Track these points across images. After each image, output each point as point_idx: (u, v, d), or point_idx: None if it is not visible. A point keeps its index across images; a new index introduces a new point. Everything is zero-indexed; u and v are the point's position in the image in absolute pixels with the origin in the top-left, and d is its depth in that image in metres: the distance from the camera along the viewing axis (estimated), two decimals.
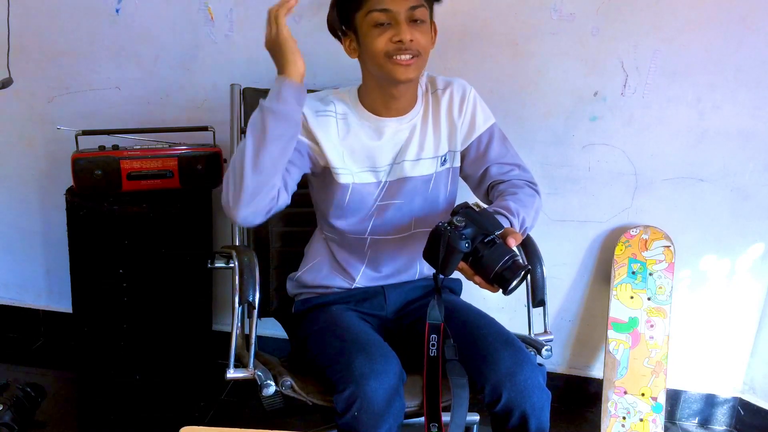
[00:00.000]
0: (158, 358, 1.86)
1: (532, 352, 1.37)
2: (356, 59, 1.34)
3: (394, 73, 1.26)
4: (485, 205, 1.34)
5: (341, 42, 1.35)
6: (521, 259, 1.17)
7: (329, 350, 1.28)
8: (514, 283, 1.15)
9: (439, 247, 1.15)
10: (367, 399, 1.14)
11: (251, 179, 1.20)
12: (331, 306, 1.42)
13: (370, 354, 1.21)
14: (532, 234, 1.44)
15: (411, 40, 1.23)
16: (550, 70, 1.78)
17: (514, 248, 1.19)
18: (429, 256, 1.19)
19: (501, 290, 1.15)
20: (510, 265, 1.14)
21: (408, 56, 1.25)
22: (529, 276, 1.44)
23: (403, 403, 1.21)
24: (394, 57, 1.24)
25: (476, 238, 1.15)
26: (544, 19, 1.73)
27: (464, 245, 1.15)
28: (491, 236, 1.16)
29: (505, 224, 1.26)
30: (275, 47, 1.24)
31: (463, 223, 1.15)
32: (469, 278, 1.20)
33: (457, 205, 1.22)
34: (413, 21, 1.25)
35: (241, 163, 1.20)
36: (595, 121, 1.81)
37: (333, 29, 1.35)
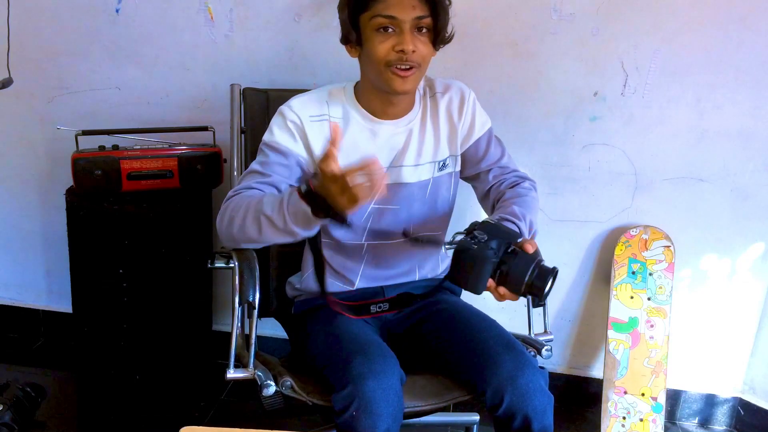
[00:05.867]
0: (158, 358, 1.86)
1: (532, 353, 1.37)
2: (356, 58, 1.33)
3: (391, 83, 1.25)
4: (490, 217, 1.32)
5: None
6: (544, 262, 1.14)
7: (327, 350, 1.28)
8: (547, 288, 1.12)
9: (466, 264, 1.13)
10: (365, 398, 1.14)
11: (250, 243, 1.25)
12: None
13: (368, 354, 1.21)
14: None
15: (413, 51, 1.22)
16: (550, 70, 1.78)
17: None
18: (457, 275, 1.17)
19: (535, 299, 1.14)
20: (538, 273, 1.12)
21: (407, 67, 1.23)
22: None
23: (402, 403, 1.21)
24: (394, 67, 1.23)
25: (500, 248, 1.13)
26: (544, 19, 1.73)
27: (492, 255, 1.12)
28: (512, 246, 1.14)
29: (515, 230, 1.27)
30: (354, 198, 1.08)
31: (486, 237, 1.13)
32: (492, 292, 1.17)
33: (471, 224, 1.19)
34: (417, 29, 1.24)
35: (250, 231, 1.21)
36: (595, 121, 1.81)
37: (343, 27, 1.32)
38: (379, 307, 1.41)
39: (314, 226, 1.17)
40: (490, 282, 1.15)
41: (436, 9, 1.24)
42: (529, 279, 1.12)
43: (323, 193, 1.09)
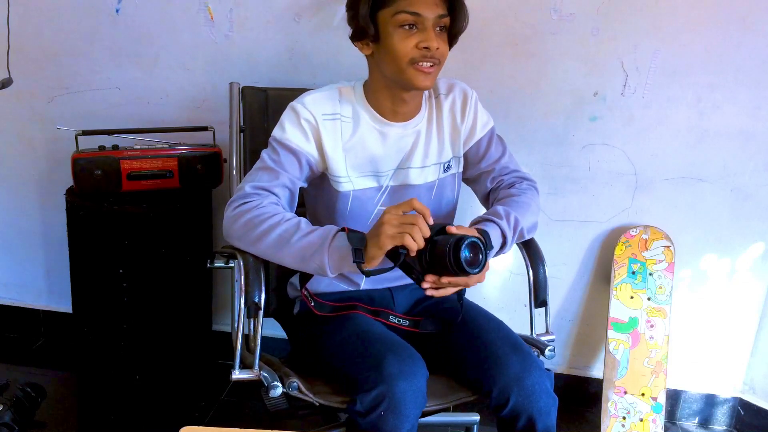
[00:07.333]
0: (158, 358, 1.86)
1: (536, 353, 1.37)
2: (359, 56, 1.33)
3: (413, 80, 1.24)
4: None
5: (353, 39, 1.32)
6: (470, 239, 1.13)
7: (350, 349, 1.26)
8: (466, 251, 1.10)
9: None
10: (395, 399, 1.14)
11: (257, 253, 1.25)
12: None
13: (399, 354, 1.20)
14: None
15: (437, 48, 1.22)
16: (550, 70, 1.78)
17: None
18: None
19: (460, 269, 1.10)
20: (458, 239, 1.10)
21: (430, 64, 1.23)
22: (531, 276, 1.44)
23: (425, 404, 1.21)
24: (418, 64, 1.23)
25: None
26: (544, 19, 1.73)
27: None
28: (440, 227, 1.15)
29: (491, 228, 1.28)
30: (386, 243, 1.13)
31: None
32: (426, 284, 1.17)
33: None
34: (438, 28, 1.24)
35: (266, 245, 1.22)
36: (595, 121, 1.81)
37: (358, 25, 1.27)
38: (399, 321, 1.39)
39: (343, 265, 1.17)
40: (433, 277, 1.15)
41: (455, 9, 1.25)
42: (453, 241, 1.10)
43: (376, 227, 1.14)
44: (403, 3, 1.21)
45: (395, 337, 1.29)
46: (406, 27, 1.22)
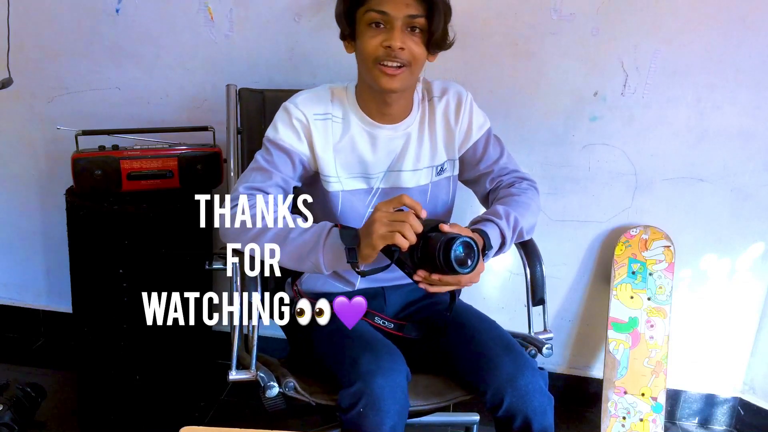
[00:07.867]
0: (158, 358, 1.86)
1: (533, 351, 1.37)
2: (352, 55, 1.33)
3: (377, 81, 1.24)
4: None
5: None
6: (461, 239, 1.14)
7: (334, 348, 1.27)
8: (452, 255, 1.10)
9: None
10: (373, 395, 1.14)
11: (254, 253, 1.24)
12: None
13: (376, 351, 1.21)
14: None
15: (401, 48, 1.21)
16: (550, 70, 1.78)
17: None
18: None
19: (450, 267, 1.11)
20: (450, 238, 1.11)
21: (395, 65, 1.22)
22: (528, 275, 1.44)
23: (407, 401, 1.21)
24: (382, 63, 1.22)
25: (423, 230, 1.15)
26: (544, 19, 1.73)
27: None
28: (433, 226, 1.16)
29: (490, 228, 1.28)
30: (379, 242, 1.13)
31: None
32: (417, 278, 1.18)
33: None
34: (410, 28, 1.23)
35: (264, 245, 1.22)
36: (595, 121, 1.81)
37: (339, 23, 1.31)
38: (384, 323, 1.39)
39: (338, 263, 1.18)
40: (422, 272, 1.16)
41: (432, 10, 1.23)
42: (445, 239, 1.11)
43: (367, 225, 1.14)
44: (374, 1, 1.22)
45: (376, 335, 1.30)
46: (375, 25, 1.23)
